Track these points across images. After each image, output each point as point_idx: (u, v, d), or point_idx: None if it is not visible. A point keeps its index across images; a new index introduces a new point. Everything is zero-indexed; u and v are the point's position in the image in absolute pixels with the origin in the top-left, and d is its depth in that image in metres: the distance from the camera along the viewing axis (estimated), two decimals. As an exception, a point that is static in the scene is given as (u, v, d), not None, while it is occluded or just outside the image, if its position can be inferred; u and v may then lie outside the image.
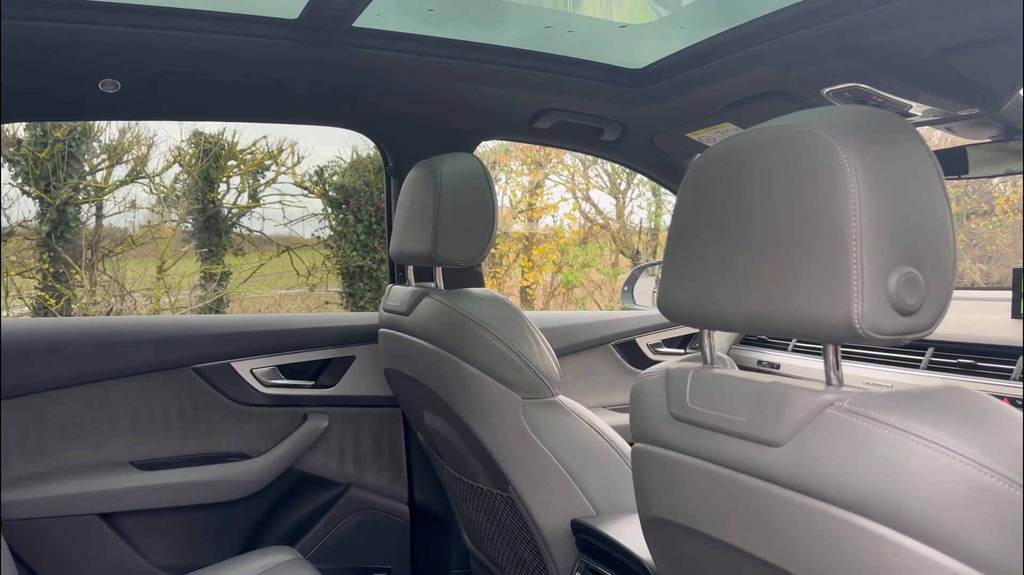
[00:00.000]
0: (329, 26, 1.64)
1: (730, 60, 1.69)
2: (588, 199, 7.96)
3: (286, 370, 2.05)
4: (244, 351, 1.99)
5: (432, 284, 1.74)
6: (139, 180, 6.56)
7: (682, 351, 2.44)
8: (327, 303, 6.92)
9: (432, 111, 1.99)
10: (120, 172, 6.55)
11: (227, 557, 1.88)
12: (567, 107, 2.02)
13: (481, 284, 2.10)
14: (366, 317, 2.16)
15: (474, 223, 1.59)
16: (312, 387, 2.06)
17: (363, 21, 1.63)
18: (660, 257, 7.80)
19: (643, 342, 2.39)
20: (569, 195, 7.93)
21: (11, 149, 5.98)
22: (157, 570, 1.88)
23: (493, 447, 1.51)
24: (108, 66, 1.60)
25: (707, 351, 0.95)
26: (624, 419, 2.23)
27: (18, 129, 6.07)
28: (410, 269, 1.91)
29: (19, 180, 6.24)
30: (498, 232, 1.61)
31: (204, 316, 2.21)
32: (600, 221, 7.98)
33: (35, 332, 1.88)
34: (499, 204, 1.60)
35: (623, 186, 7.86)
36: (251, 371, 2.00)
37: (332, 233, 6.77)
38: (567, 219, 7.84)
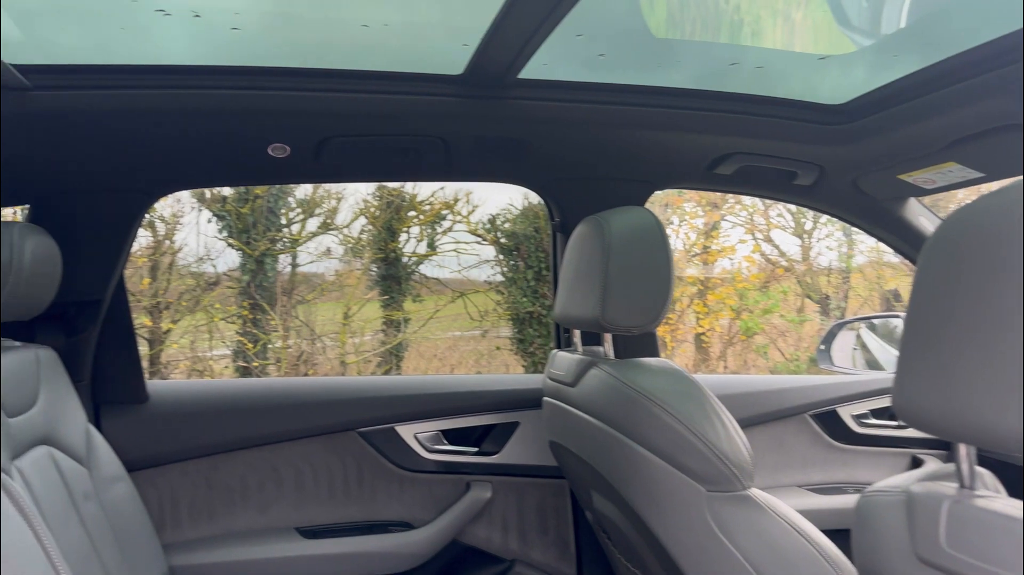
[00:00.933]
0: (493, 80, 1.56)
1: (954, 91, 1.43)
2: (769, 240, 7.49)
3: (449, 435, 1.96)
4: (408, 415, 1.93)
5: (601, 350, 1.58)
6: (330, 231, 6.96)
7: (893, 424, 2.11)
8: (498, 348, 6.94)
9: (601, 162, 1.85)
10: (312, 224, 6.99)
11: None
12: (753, 150, 1.81)
13: (656, 351, 1.91)
14: (530, 380, 2.04)
15: (647, 285, 1.42)
16: (476, 454, 1.96)
17: (528, 72, 1.53)
18: (852, 303, 7.16)
19: (846, 412, 2.08)
20: (748, 237, 7.50)
21: (217, 205, 6.52)
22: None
23: (671, 544, 1.31)
24: (277, 131, 1.61)
25: (964, 471, 0.72)
26: (824, 502, 1.94)
27: (224, 187, 6.62)
28: (576, 333, 1.76)
29: (224, 233, 6.80)
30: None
31: (369, 378, 2.19)
32: (783, 263, 7.47)
33: (205, 394, 1.91)
34: (672, 249, 1.42)
35: (808, 225, 7.32)
36: (415, 436, 1.93)
37: (503, 279, 6.82)
38: (746, 262, 7.41)
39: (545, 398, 1.72)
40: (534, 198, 6.61)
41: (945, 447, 2.08)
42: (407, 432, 1.93)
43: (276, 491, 1.87)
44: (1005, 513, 0.65)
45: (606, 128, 1.73)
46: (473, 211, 6.92)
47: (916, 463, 2.10)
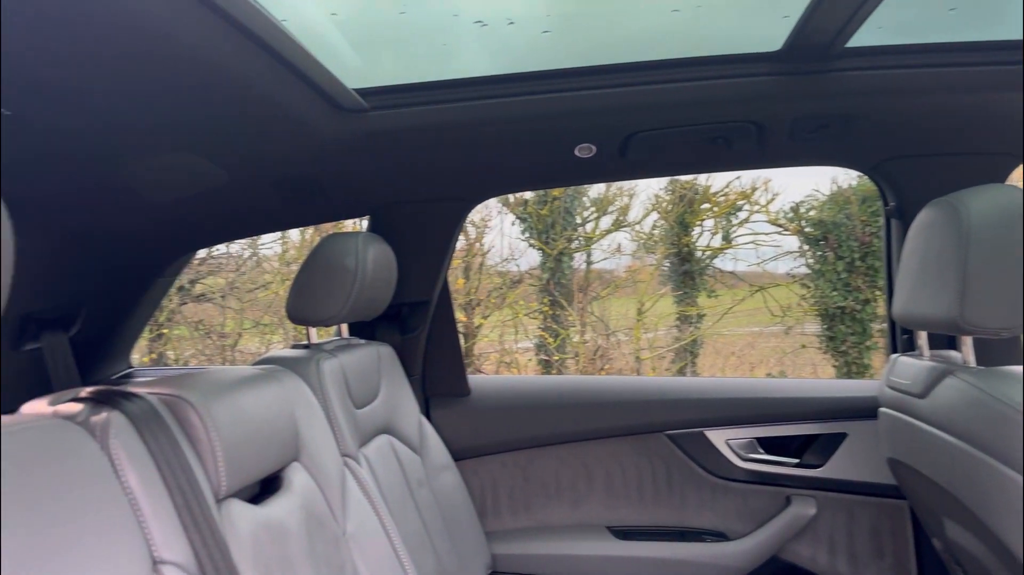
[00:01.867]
0: (818, 52, 1.40)
1: None
2: None
3: (765, 443, 1.82)
4: (719, 420, 1.83)
5: (957, 356, 1.35)
6: (622, 228, 7.01)
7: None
8: (803, 346, 6.47)
9: (950, 135, 1.59)
10: (606, 222, 7.09)
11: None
12: None
13: (1020, 358, 1.59)
14: (862, 387, 1.82)
15: (1015, 278, 1.17)
16: (796, 466, 1.80)
17: (859, 39, 1.35)
18: None
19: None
20: None
21: (520, 208, 6.88)
22: (631, 646, 1.80)
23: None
24: (583, 131, 1.60)
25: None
26: None
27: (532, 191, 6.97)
28: (921, 336, 1.52)
29: (526, 234, 7.16)
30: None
31: (678, 379, 2.12)
32: None
33: (520, 389, 1.98)
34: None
35: None
36: (726, 442, 1.82)
37: (809, 271, 6.32)
38: None
39: (882, 409, 1.51)
40: (844, 182, 6.04)
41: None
42: (718, 438, 1.83)
43: (587, 488, 1.88)
44: None
45: (956, 94, 1.47)
46: (773, 199, 6.52)
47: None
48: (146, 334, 4.96)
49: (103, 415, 0.77)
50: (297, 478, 1.06)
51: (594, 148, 1.62)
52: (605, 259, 7.22)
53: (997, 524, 1.14)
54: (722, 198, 6.73)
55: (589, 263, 7.23)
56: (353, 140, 1.55)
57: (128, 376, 2.05)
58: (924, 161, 1.65)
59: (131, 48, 0.93)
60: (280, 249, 6.08)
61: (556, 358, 6.75)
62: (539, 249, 7.01)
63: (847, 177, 5.96)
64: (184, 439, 0.85)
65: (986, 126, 1.57)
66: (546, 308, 7.02)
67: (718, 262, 6.80)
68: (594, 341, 7.02)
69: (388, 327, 1.82)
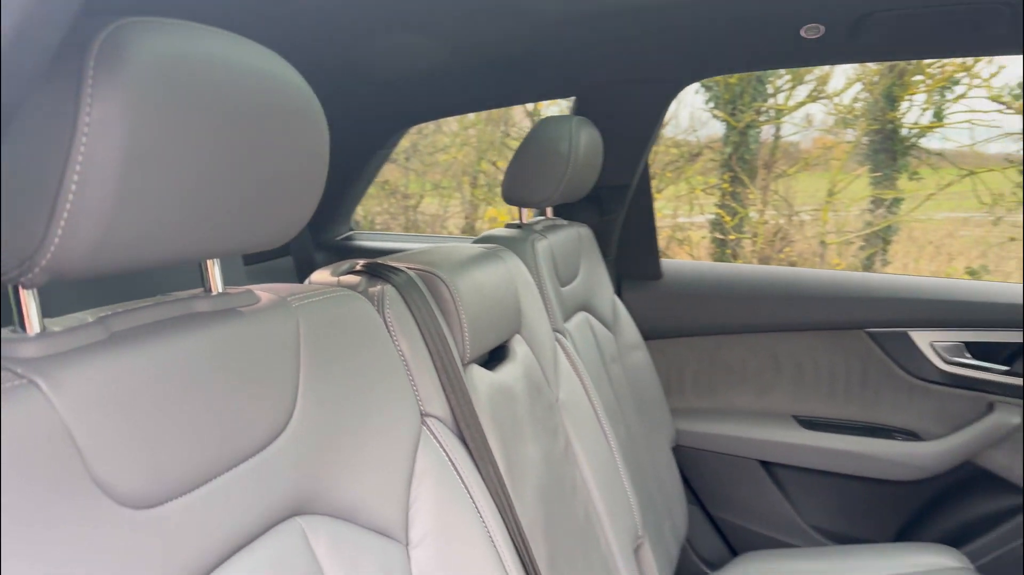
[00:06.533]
0: None
1: None
2: None
3: (973, 348, 1.75)
4: (925, 321, 1.76)
5: None
6: (820, 99, 6.53)
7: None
8: (1012, 239, 5.91)
9: None
10: (802, 92, 6.61)
11: (880, 538, 1.76)
12: None
13: None
14: (1094, 297, 1.68)
15: None
16: (1005, 373, 1.72)
17: None
18: None
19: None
20: None
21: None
22: (808, 529, 1.86)
23: None
24: (811, 11, 1.50)
25: None
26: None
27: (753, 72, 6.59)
28: None
29: (711, 104, 6.84)
30: None
31: (882, 276, 2.04)
32: None
33: (712, 276, 1.99)
34: None
35: None
36: (931, 344, 1.76)
37: (1031, 156, 5.66)
38: None
39: None
40: (1094, 55, 5.24)
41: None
42: (922, 339, 1.77)
43: (774, 378, 1.90)
44: None
45: None
46: (998, 73, 5.79)
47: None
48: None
49: (378, 287, 0.88)
50: (520, 349, 1.17)
51: (822, 28, 1.53)
52: (795, 133, 6.80)
53: None
54: (938, 70, 6.06)
55: (777, 137, 6.84)
56: (565, 18, 1.55)
57: (349, 238, 2.25)
58: None
59: None
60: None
61: (732, 237, 6.58)
62: (723, 121, 6.70)
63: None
64: (437, 310, 0.96)
65: None
66: (726, 184, 6.79)
67: (926, 141, 6.23)
68: (775, 221, 6.75)
69: (587, 208, 1.87)
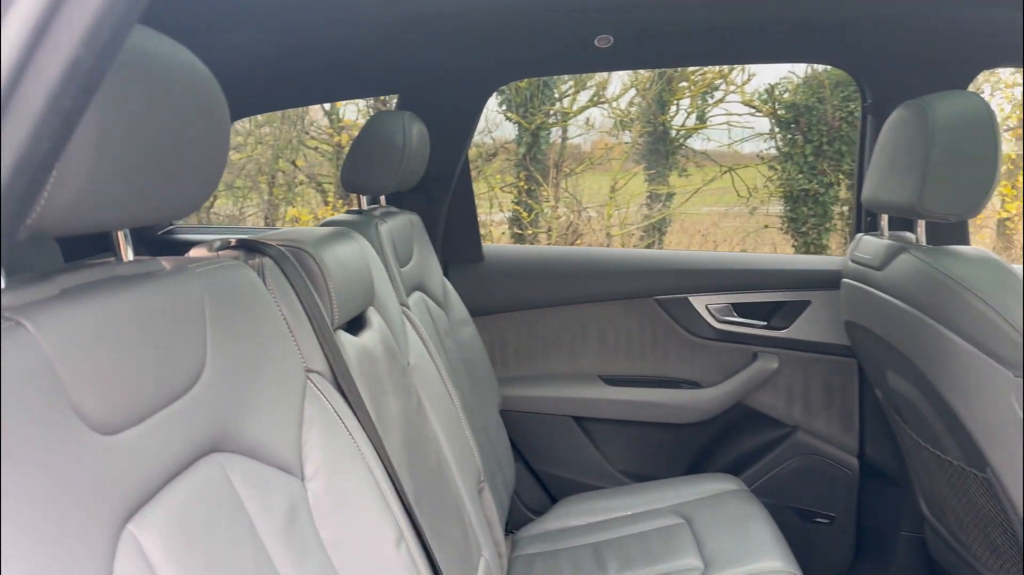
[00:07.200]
0: None
1: None
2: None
3: (739, 308, 2.10)
4: (701, 287, 2.10)
5: (911, 237, 1.61)
6: (600, 104, 7.09)
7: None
8: (766, 227, 6.78)
9: (921, 41, 1.79)
10: (584, 97, 7.15)
11: (674, 474, 2.06)
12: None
13: (967, 239, 1.87)
14: (825, 262, 2.10)
15: (971, 175, 1.41)
16: (764, 327, 2.09)
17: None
18: None
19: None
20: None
21: (502, 81, 6.87)
22: (616, 473, 2.14)
23: (973, 426, 1.38)
24: (603, 23, 1.76)
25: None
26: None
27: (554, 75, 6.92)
28: (884, 218, 1.78)
29: (503, 107, 7.20)
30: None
31: (666, 252, 2.37)
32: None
33: (528, 257, 2.22)
34: (1000, 135, 1.40)
35: None
36: (706, 306, 2.10)
37: (777, 154, 6.53)
38: (1076, 138, 6.39)
39: (845, 279, 1.79)
40: (820, 67, 6.17)
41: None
42: (699, 302, 2.10)
43: (583, 344, 2.17)
44: None
45: (927, 5, 1.66)
46: (749, 80, 6.62)
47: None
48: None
49: (257, 259, 0.98)
50: (375, 319, 1.30)
51: (612, 39, 1.79)
52: (580, 135, 7.32)
53: (934, 375, 1.44)
54: (699, 77, 6.81)
55: (564, 139, 7.34)
56: (389, 25, 1.70)
57: (171, 232, 2.23)
58: (900, 63, 1.85)
59: None
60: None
61: (530, 232, 6.97)
62: (516, 123, 7.08)
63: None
64: (307, 281, 1.07)
65: (954, 35, 1.76)
66: (522, 183, 7.18)
67: (691, 142, 6.97)
68: (567, 217, 7.25)
69: (416, 198, 2.02)
